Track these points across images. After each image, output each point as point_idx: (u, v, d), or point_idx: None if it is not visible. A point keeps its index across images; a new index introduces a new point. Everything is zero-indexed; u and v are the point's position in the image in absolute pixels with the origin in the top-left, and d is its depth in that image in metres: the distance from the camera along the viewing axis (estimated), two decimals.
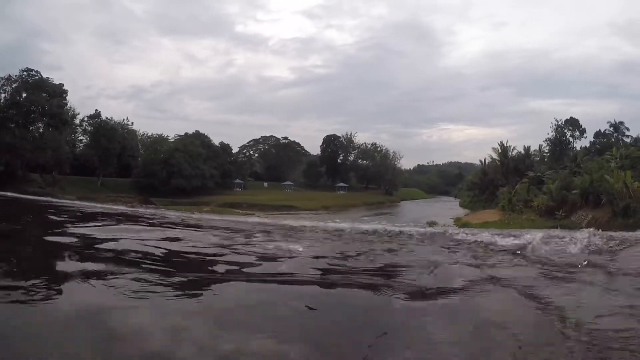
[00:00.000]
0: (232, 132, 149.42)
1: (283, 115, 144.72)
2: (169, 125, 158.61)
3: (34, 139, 46.13)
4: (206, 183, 61.38)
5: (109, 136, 55.60)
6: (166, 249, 6.03)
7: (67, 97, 50.28)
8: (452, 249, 6.18)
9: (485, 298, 3.76)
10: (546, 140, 55.68)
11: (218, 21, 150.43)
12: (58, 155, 46.69)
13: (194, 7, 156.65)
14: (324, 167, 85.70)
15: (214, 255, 5.74)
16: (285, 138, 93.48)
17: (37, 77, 47.72)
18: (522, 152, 53.87)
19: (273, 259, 5.53)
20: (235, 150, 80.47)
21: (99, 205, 16.46)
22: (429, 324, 3.10)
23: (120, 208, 15.42)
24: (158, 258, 5.39)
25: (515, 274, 4.54)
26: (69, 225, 8.67)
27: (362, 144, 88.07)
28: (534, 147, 55.94)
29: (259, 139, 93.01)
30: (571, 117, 55.77)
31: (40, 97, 46.18)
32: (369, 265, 5.16)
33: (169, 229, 8.65)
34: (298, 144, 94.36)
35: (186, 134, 69.68)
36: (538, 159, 55.16)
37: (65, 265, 4.79)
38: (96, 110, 60.00)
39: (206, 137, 69.26)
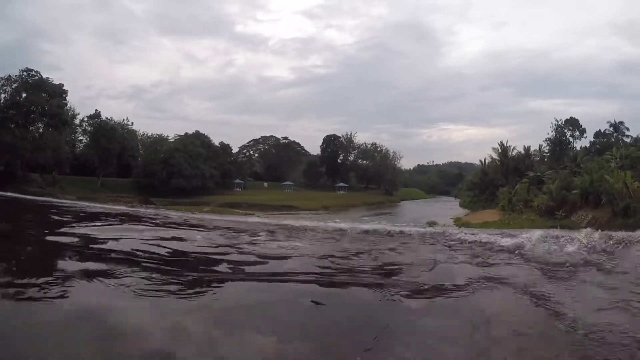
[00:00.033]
0: (232, 132, 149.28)
1: (283, 115, 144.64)
2: (169, 125, 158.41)
3: (34, 139, 46.13)
4: (206, 183, 61.39)
5: (109, 136, 55.61)
6: (166, 249, 6.03)
7: (67, 97, 50.31)
8: (452, 249, 6.19)
9: (485, 296, 3.77)
10: (546, 140, 55.71)
11: (218, 21, 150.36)
12: (58, 155, 46.70)
13: (194, 7, 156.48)
14: (324, 167, 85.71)
15: (215, 254, 5.74)
16: (285, 138, 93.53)
17: (37, 77, 47.73)
18: (522, 152, 53.89)
19: (273, 258, 5.53)
20: (235, 150, 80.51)
21: (99, 205, 16.47)
22: (429, 322, 3.11)
23: (121, 208, 15.43)
24: (159, 257, 5.39)
25: (514, 272, 4.56)
26: (69, 225, 8.68)
27: (362, 144, 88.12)
28: (534, 147, 55.97)
29: (259, 139, 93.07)
30: (571, 117, 55.80)
31: (40, 97, 46.19)
32: (370, 265, 5.17)
33: (170, 229, 8.65)
34: (298, 144, 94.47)
35: (186, 134, 69.70)
36: (538, 159, 55.16)
37: (66, 264, 4.79)
38: (96, 110, 60.06)
39: (206, 137, 69.27)
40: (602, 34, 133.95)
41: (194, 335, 2.88)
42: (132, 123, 64.04)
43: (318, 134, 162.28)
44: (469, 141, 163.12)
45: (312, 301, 3.55)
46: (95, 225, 8.76)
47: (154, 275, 4.29)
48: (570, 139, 54.56)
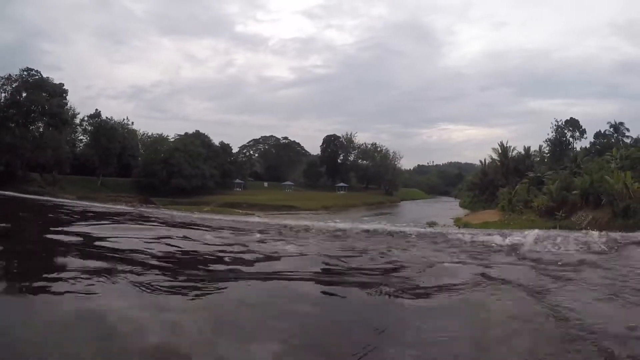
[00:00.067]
0: (232, 132, 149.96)
1: (283, 115, 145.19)
2: (169, 125, 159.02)
3: (34, 138, 46.21)
4: (206, 183, 61.49)
5: (109, 136, 55.70)
6: (167, 248, 6.03)
7: (67, 97, 50.47)
8: (451, 249, 6.19)
9: (485, 296, 3.78)
10: (546, 140, 55.83)
11: (218, 21, 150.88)
12: (58, 155, 46.78)
13: (194, 7, 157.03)
14: (324, 167, 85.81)
15: (215, 254, 5.74)
16: (285, 138, 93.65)
17: (37, 77, 47.81)
18: (522, 152, 53.99)
19: (273, 258, 5.53)
20: (235, 150, 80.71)
21: (99, 204, 16.47)
22: (429, 322, 3.11)
23: (121, 207, 15.43)
24: (159, 257, 5.39)
25: (514, 272, 4.57)
26: (69, 223, 8.68)
27: (362, 144, 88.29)
28: (534, 148, 56.08)
29: (259, 139, 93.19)
30: (571, 118, 55.92)
31: (40, 96, 46.26)
32: (370, 265, 5.16)
33: (170, 228, 8.65)
34: (298, 144, 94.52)
35: (186, 133, 69.81)
36: (538, 159, 55.23)
37: (67, 263, 4.79)
38: (96, 110, 60.19)
39: (206, 137, 69.40)
40: (602, 34, 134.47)
41: (194, 335, 2.88)
42: (132, 123, 64.33)
43: (318, 134, 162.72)
44: (469, 141, 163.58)
45: (307, 305, 3.55)
46: (95, 224, 8.76)
47: (154, 274, 4.30)
48: (571, 139, 54.69)
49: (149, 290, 3.70)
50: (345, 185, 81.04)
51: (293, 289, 4.10)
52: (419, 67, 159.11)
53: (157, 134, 73.24)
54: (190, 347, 2.67)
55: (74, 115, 56.65)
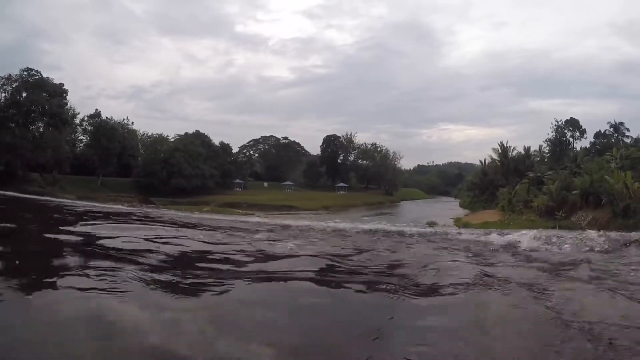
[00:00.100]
0: (232, 132, 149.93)
1: (283, 115, 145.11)
2: (169, 125, 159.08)
3: (34, 138, 46.20)
4: (206, 183, 61.48)
5: (109, 136, 55.69)
6: (167, 248, 6.03)
7: (67, 97, 50.45)
8: (451, 248, 6.20)
9: (484, 295, 3.78)
10: (546, 140, 55.80)
11: (218, 21, 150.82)
12: (58, 155, 46.79)
13: (194, 7, 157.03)
14: (324, 167, 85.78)
15: (215, 254, 5.75)
16: (285, 138, 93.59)
17: (37, 77, 47.80)
18: (522, 152, 53.95)
19: (273, 258, 5.54)
20: (235, 150, 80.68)
21: (99, 204, 16.48)
22: (429, 321, 3.12)
23: (121, 207, 15.44)
24: (159, 256, 5.39)
25: (513, 271, 4.58)
26: (69, 223, 8.68)
27: (362, 144, 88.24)
28: (534, 148, 56.05)
29: (259, 139, 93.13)
30: (571, 118, 55.90)
31: (40, 96, 46.26)
32: (370, 264, 5.17)
33: (170, 228, 8.66)
34: (298, 144, 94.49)
35: (186, 133, 69.77)
36: (538, 159, 55.21)
37: (67, 262, 4.79)
38: (96, 110, 60.19)
39: (206, 137, 69.36)
40: (602, 34, 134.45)
41: (194, 335, 2.88)
42: (132, 123, 64.30)
43: (318, 134, 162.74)
44: (469, 141, 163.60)
45: (306, 305, 3.53)
46: (95, 224, 8.77)
47: (154, 274, 4.30)
48: (571, 139, 54.68)
49: (149, 290, 3.71)
50: (345, 185, 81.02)
51: (293, 289, 4.10)
52: (419, 67, 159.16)
53: (157, 134, 73.25)
54: (190, 347, 2.66)
55: (74, 115, 56.67)
